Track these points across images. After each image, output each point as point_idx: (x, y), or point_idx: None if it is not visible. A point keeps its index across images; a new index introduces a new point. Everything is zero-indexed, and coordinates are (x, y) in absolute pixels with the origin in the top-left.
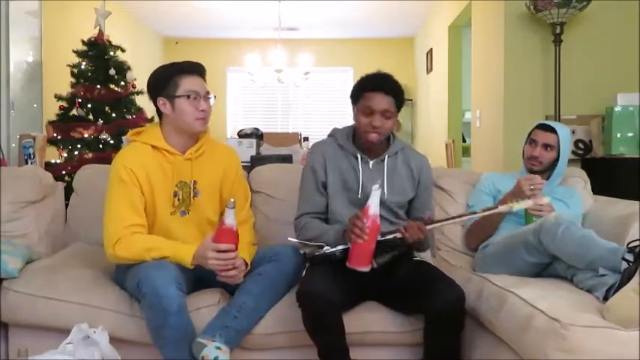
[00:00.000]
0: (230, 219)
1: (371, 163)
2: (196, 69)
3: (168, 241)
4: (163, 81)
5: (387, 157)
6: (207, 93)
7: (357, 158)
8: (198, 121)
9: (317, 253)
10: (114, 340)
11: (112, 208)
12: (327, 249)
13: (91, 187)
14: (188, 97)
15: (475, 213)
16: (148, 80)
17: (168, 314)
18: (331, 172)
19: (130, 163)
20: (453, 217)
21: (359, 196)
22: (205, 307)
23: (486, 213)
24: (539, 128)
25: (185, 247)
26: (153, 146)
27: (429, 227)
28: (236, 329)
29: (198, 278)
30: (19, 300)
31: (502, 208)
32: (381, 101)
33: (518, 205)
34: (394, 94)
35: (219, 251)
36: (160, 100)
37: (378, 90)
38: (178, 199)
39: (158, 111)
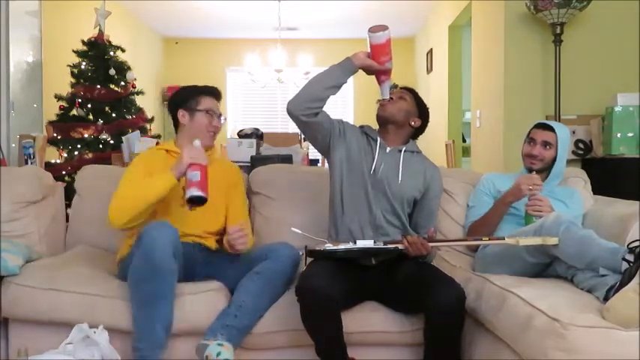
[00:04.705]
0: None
1: (388, 149)
2: (215, 93)
3: (148, 179)
4: (186, 97)
5: (404, 149)
6: (220, 114)
7: (376, 141)
8: (209, 134)
9: (318, 248)
10: (114, 332)
11: (121, 186)
12: (328, 246)
13: (92, 188)
14: (206, 112)
15: (482, 240)
16: (170, 97)
17: (157, 270)
18: (346, 142)
19: (150, 159)
20: (458, 240)
21: (371, 172)
22: (203, 292)
23: (492, 242)
24: (537, 127)
25: (164, 176)
26: (166, 150)
27: (432, 244)
28: (237, 328)
29: (192, 267)
30: (20, 292)
31: (509, 241)
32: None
33: (525, 241)
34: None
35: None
36: (180, 112)
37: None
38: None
39: (175, 123)
